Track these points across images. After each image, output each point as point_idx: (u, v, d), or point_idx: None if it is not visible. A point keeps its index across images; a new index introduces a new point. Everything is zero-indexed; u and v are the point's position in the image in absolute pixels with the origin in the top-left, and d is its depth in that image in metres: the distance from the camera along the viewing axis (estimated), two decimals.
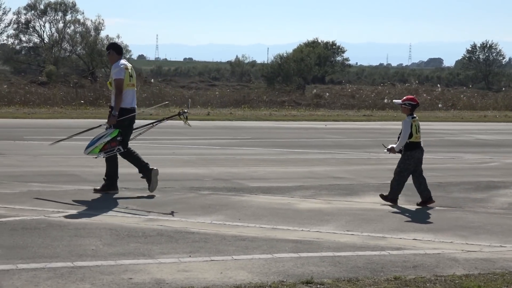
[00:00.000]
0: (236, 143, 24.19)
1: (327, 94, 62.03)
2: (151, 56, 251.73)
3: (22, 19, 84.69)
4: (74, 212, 11.02)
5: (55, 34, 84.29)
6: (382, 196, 12.85)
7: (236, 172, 16.29)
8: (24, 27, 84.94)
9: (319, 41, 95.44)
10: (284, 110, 50.56)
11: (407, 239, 9.93)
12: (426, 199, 12.71)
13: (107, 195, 12.68)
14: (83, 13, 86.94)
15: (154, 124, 14.33)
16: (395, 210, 12.20)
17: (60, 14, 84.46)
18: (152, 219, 10.64)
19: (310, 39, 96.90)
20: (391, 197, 12.73)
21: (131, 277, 7.56)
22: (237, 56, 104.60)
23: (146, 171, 13.02)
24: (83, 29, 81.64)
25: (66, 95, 52.68)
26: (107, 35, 76.74)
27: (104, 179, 13.09)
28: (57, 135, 24.91)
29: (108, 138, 12.74)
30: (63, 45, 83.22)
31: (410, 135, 12.47)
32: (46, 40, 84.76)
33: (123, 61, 13.10)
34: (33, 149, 20.24)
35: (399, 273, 8.11)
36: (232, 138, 26.32)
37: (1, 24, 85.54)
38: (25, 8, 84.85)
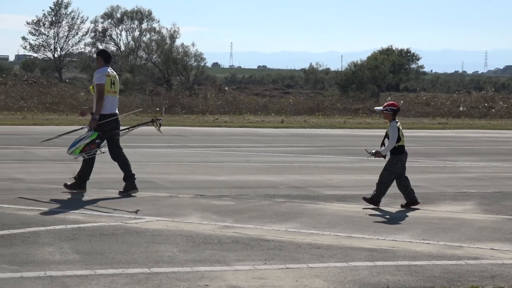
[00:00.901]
0: (311, 150, 24.17)
1: (402, 101, 61.52)
2: (225, 64, 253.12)
3: (99, 27, 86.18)
4: (150, 218, 11.14)
5: (131, 42, 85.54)
6: (365, 199, 12.88)
7: (311, 180, 16.28)
8: (101, 35, 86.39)
9: (393, 48, 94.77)
10: (358, 117, 50.38)
11: (484, 249, 9.78)
12: (413, 201, 12.88)
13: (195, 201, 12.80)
14: (158, 21, 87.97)
15: (129, 129, 14.65)
16: (471, 218, 12.04)
17: (136, 22, 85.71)
18: (227, 226, 10.70)
19: (384, 46, 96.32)
20: (376, 199, 12.81)
21: (207, 284, 7.61)
22: (311, 63, 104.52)
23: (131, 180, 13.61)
24: (159, 37, 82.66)
25: (142, 102, 53.31)
26: (182, 43, 77.51)
27: (74, 178, 13.61)
28: (133, 142, 25.25)
29: (88, 140, 13.31)
30: (139, 53, 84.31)
31: (398, 139, 12.66)
32: (122, 48, 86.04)
33: (107, 69, 13.56)
34: (108, 156, 20.48)
35: (476, 283, 7.99)
36: (306, 145, 26.32)
37: (79, 33, 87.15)
38: (102, 17, 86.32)
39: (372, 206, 12.76)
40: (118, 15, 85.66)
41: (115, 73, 13.88)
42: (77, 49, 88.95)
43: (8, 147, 22.35)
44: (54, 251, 8.78)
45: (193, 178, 16.11)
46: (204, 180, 15.76)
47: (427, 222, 11.60)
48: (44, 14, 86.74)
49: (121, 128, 14.12)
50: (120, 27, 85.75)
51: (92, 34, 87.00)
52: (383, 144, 12.89)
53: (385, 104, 13.07)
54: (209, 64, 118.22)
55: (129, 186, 13.61)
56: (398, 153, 12.75)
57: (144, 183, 14.95)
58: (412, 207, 12.84)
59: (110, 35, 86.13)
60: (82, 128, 14.47)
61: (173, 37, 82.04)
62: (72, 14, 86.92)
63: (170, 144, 24.98)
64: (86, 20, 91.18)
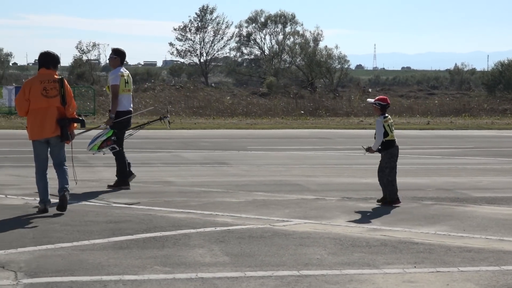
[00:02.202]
0: (458, 152, 23.73)
1: None
2: (368, 65, 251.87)
3: (244, 32, 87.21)
4: (298, 221, 11.19)
5: (275, 46, 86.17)
6: (382, 202, 12.83)
7: (459, 182, 15.98)
8: (245, 40, 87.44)
9: None
10: (507, 118, 49.11)
11: None
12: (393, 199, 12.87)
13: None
14: (302, 24, 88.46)
15: (140, 127, 15.44)
16: None
17: (279, 26, 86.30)
18: (375, 229, 10.63)
19: None
20: (391, 199, 12.77)
21: (356, 287, 7.58)
22: (456, 64, 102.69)
23: (128, 175, 14.33)
24: (302, 41, 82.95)
25: (287, 105, 53.67)
26: (326, 46, 77.63)
27: (116, 176, 14.34)
28: (279, 145, 25.46)
29: (104, 138, 14.11)
30: (282, 56, 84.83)
31: (386, 134, 12.72)
32: (267, 52, 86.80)
33: (120, 69, 14.27)
34: (256, 159, 20.76)
35: None
36: (454, 147, 25.85)
37: (224, 38, 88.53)
38: (246, 22, 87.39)
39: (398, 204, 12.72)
40: (262, 19, 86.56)
41: (128, 72, 14.57)
42: (222, 53, 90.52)
43: (159, 150, 22.94)
44: (205, 253, 8.94)
45: (339, 181, 16.10)
46: (350, 183, 15.71)
47: None
48: (190, 20, 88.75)
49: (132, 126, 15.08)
50: (264, 31, 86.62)
51: (237, 39, 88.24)
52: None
53: (377, 97, 13.19)
54: (352, 66, 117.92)
55: (120, 182, 14.26)
56: (388, 148, 12.80)
57: (290, 186, 15.05)
58: (391, 205, 12.74)
59: (254, 39, 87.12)
60: (99, 126, 15.62)
61: (316, 40, 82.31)
62: (217, 20, 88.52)
63: (315, 147, 25.05)
64: (231, 25, 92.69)
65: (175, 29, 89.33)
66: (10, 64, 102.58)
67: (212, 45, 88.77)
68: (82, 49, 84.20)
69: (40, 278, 7.67)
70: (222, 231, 10.25)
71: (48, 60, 11.62)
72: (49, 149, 11.67)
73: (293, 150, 23.67)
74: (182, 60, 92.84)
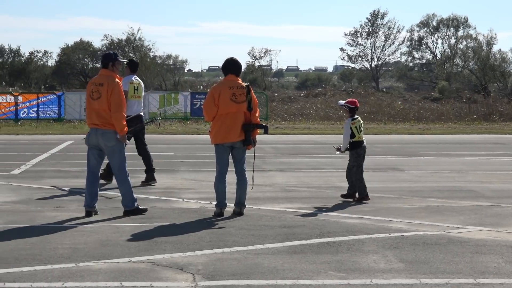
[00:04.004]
0: None
1: None
2: None
3: (415, 36, 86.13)
4: (473, 228, 10.97)
5: (447, 50, 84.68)
6: (354, 199, 13.43)
7: None
8: (416, 44, 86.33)
9: None
10: None
11: None
12: (352, 193, 13.65)
13: None
14: (475, 28, 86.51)
15: (137, 127, 15.52)
16: None
17: (452, 30, 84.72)
18: None
19: None
20: (361, 196, 13.47)
21: None
22: None
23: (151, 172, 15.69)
24: (475, 44, 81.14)
25: (459, 110, 52.69)
26: (500, 49, 75.62)
27: (145, 171, 15.77)
28: (452, 150, 25.01)
29: None
30: (455, 60, 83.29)
31: (353, 135, 13.53)
32: (438, 56, 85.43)
33: (131, 77, 15.60)
34: (429, 164, 20.48)
35: None
36: None
37: (395, 42, 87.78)
38: (418, 26, 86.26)
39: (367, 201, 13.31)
40: (434, 23, 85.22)
41: (139, 80, 15.86)
42: (393, 58, 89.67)
43: (330, 156, 22.97)
44: (379, 259, 8.92)
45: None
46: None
47: None
48: (361, 25, 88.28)
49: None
50: (435, 35, 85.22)
51: (408, 43, 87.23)
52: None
53: (347, 100, 14.11)
54: None
55: (149, 177, 15.64)
56: (355, 148, 13.63)
57: (464, 192, 14.77)
58: (351, 200, 13.55)
59: (426, 44, 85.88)
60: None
61: (490, 43, 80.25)
62: (388, 24, 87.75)
63: (490, 153, 24.45)
64: (402, 29, 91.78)
65: (346, 34, 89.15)
66: (185, 70, 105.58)
67: (383, 50, 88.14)
68: (254, 55, 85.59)
69: (217, 281, 7.87)
70: (396, 237, 10.19)
71: (236, 67, 12.00)
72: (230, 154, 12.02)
73: (467, 155, 23.18)
74: (353, 65, 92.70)
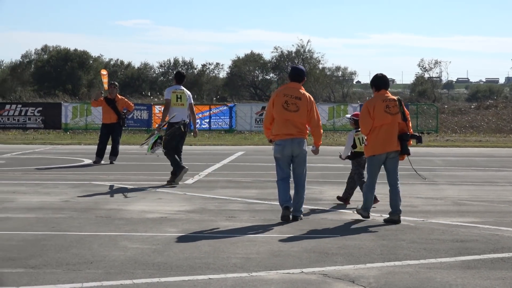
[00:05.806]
0: None
1: None
2: None
3: None
4: None
5: None
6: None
7: None
8: None
9: None
10: None
11: None
12: (346, 198, 14.47)
13: None
14: None
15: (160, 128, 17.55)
16: None
17: None
18: None
19: None
20: (344, 197, 14.50)
21: None
22: None
23: (178, 168, 17.24)
24: None
25: None
26: None
27: (171, 173, 17.40)
28: None
29: (153, 140, 17.22)
30: None
31: (355, 146, 14.27)
32: None
33: (174, 87, 17.52)
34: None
35: None
36: None
37: None
38: None
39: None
40: None
41: (183, 89, 17.46)
42: None
43: (504, 169, 22.39)
44: None
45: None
46: None
47: None
48: None
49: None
50: None
51: None
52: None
53: (353, 113, 14.93)
54: None
55: (174, 177, 17.23)
56: (356, 157, 14.30)
57: None
58: (342, 203, 14.42)
59: None
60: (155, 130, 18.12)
61: None
62: None
63: None
64: None
65: None
66: (354, 82, 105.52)
67: None
68: (424, 66, 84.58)
69: None
70: None
71: (386, 81, 12.68)
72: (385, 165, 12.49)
73: None
74: None
